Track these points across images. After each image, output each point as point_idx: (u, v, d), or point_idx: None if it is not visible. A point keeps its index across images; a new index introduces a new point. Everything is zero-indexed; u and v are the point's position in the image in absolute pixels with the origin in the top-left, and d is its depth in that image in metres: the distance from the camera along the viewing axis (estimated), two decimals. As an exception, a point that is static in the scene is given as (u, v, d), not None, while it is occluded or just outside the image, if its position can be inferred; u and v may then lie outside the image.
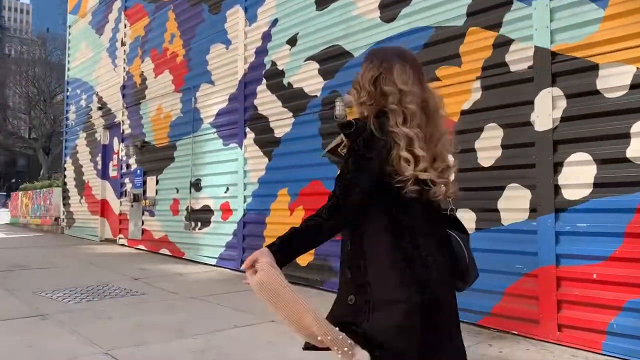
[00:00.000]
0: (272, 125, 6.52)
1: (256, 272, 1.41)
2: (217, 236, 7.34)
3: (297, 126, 6.15)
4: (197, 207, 7.80)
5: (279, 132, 6.41)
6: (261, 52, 6.75)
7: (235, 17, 7.23)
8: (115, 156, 10.52)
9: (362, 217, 1.54)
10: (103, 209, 10.77)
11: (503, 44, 4.17)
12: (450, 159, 1.65)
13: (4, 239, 11.67)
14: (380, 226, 1.55)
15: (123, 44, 10.19)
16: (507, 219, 4.08)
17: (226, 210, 7.22)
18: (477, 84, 4.33)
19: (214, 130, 7.55)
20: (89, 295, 5.17)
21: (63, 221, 12.71)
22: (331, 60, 5.75)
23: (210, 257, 7.42)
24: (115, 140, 10.55)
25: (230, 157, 7.20)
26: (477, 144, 4.29)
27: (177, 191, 8.32)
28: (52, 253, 8.72)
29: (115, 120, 10.35)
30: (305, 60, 6.08)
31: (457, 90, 4.45)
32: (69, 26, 12.99)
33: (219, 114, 7.48)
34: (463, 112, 4.41)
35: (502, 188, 4.12)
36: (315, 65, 5.95)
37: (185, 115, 8.24)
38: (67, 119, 12.92)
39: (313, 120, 5.95)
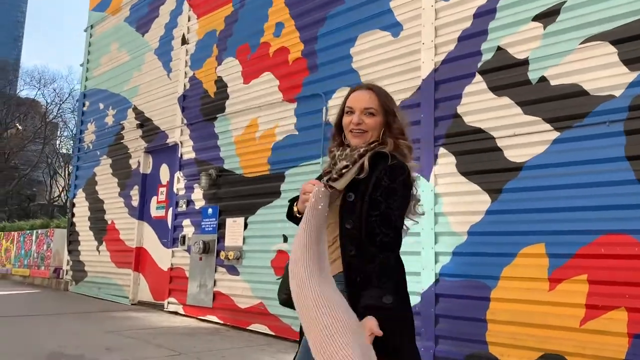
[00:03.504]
0: (499, 143, 4.32)
1: None
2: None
3: (564, 144, 3.99)
4: (330, 265, 5.39)
5: (516, 155, 4.22)
6: (472, 35, 4.63)
7: (411, -10, 5.14)
8: (163, 189, 8.02)
9: None
10: (139, 260, 8.16)
11: None
12: None
13: (-11, 297, 8.80)
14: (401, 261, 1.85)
15: (185, 41, 7.92)
16: None
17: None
18: None
19: (365, 153, 5.26)
20: None
21: (66, 273, 9.91)
22: (651, 39, 3.67)
23: (359, 345, 4.96)
24: (164, 168, 8.09)
25: (401, 192, 4.91)
26: None
27: (286, 240, 5.91)
28: (82, 327, 6.07)
29: (167, 141, 7.94)
30: (581, 43, 3.98)
31: None
32: (90, 26, 10.64)
33: (375, 129, 5.23)
34: None
35: None
36: (608, 49, 3.85)
37: (304, 134, 5.97)
38: (80, 140, 10.34)
39: (605, 135, 3.79)
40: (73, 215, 10.05)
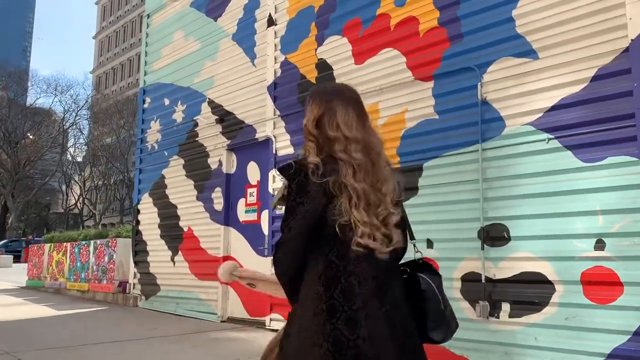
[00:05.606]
0: None
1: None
2: (575, 333, 4.00)
3: None
4: (503, 274, 4.48)
5: None
6: None
7: None
8: (252, 190, 7.15)
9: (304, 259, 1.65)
10: (226, 271, 7.26)
11: None
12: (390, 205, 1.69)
13: (59, 317, 7.99)
14: (316, 272, 1.61)
15: (272, 22, 7.04)
16: None
17: (603, 283, 3.92)
18: None
19: (545, 137, 4.33)
20: None
21: (134, 287, 9.09)
22: None
23: (557, 373, 4.03)
24: (253, 166, 7.23)
25: (606, 182, 3.99)
26: None
27: (431, 245, 4.99)
28: (195, 356, 5.20)
29: (256, 136, 7.06)
30: None
31: None
32: (147, 16, 9.82)
33: (558, 106, 4.31)
34: None
35: None
36: None
37: (447, 117, 5.04)
38: (142, 141, 9.52)
39: None
40: (138, 222, 9.23)
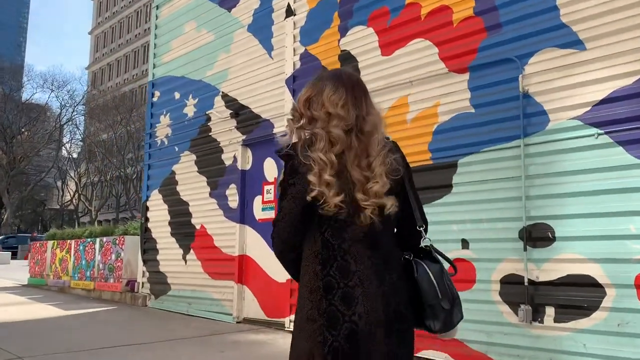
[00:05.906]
0: None
1: None
2: (628, 340, 3.79)
3: None
4: (548, 277, 4.25)
5: None
6: None
7: None
8: (269, 187, 6.90)
9: (300, 239, 1.67)
10: (242, 270, 7.04)
11: None
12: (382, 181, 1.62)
13: (68, 317, 7.72)
14: (314, 251, 1.63)
15: (291, 13, 6.78)
16: None
17: (661, 287, 3.70)
18: None
19: (595, 131, 4.11)
20: None
21: (142, 286, 8.82)
22: None
23: (610, 382, 3.81)
24: (270, 162, 6.97)
25: (664, 180, 3.75)
26: None
27: (466, 245, 4.77)
28: None
29: (274, 131, 6.81)
30: None
31: None
32: (156, 7, 9.53)
33: (608, 100, 4.09)
34: None
35: None
36: None
37: (485, 111, 4.80)
38: (150, 136, 9.24)
39: None
40: (147, 220, 8.95)
